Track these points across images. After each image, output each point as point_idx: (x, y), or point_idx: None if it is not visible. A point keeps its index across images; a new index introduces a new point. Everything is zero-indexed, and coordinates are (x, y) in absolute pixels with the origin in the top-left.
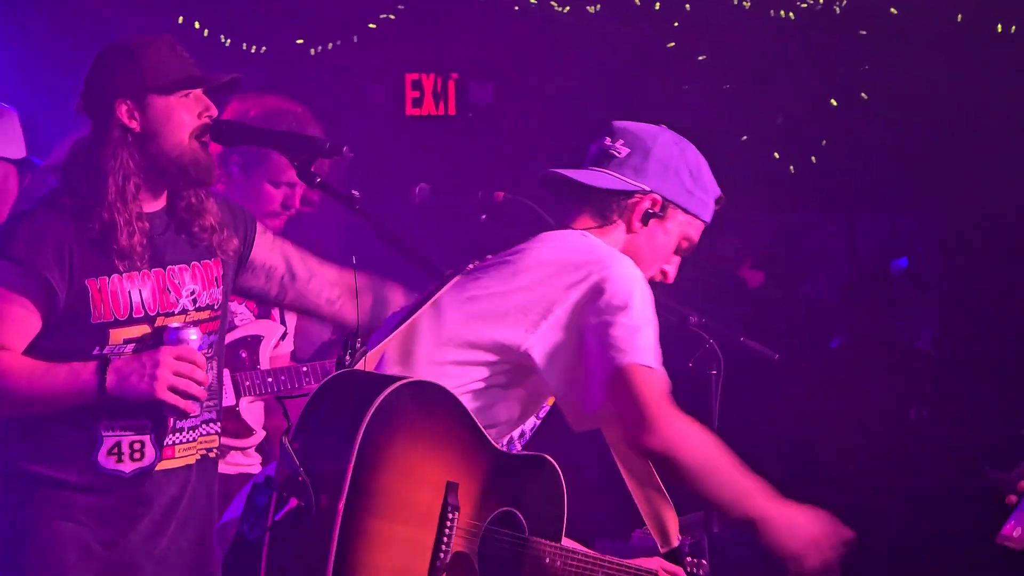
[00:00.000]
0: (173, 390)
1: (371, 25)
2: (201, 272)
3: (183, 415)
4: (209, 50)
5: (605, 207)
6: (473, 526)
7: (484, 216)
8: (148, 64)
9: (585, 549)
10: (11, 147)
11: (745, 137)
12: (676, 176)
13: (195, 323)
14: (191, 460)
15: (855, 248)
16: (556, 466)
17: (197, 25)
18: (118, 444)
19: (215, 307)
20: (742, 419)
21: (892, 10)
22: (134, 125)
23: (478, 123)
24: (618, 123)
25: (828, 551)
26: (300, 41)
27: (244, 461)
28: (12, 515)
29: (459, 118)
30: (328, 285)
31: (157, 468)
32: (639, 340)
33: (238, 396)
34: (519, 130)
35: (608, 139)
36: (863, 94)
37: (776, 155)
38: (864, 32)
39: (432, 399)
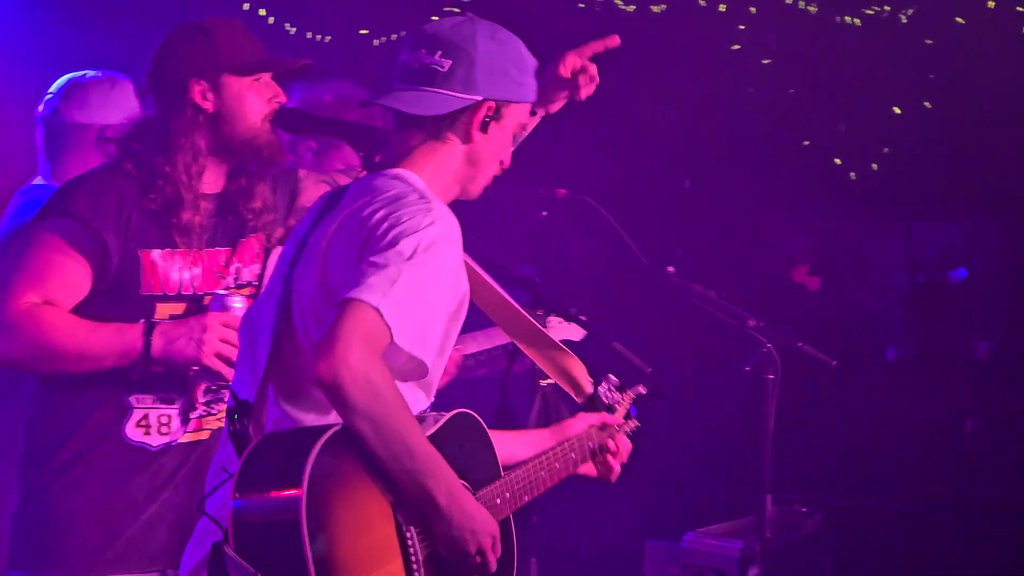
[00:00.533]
0: (219, 356)
1: (434, 17)
2: (244, 247)
3: (221, 381)
4: (274, 38)
5: (439, 128)
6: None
7: (545, 213)
8: (223, 46)
9: (519, 460)
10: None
11: (807, 142)
12: (504, 75)
13: None
14: (207, 435)
15: (913, 256)
16: (470, 413)
17: (262, 12)
18: (146, 416)
19: (254, 283)
20: (798, 424)
21: (958, 19)
22: (207, 105)
23: (540, 122)
24: (430, 29)
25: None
26: (364, 31)
27: None
28: (38, 493)
29: None
30: None
31: (181, 440)
32: (381, 283)
33: None
34: (579, 129)
35: (425, 51)
36: (926, 103)
37: (837, 161)
38: (929, 41)
39: (350, 434)
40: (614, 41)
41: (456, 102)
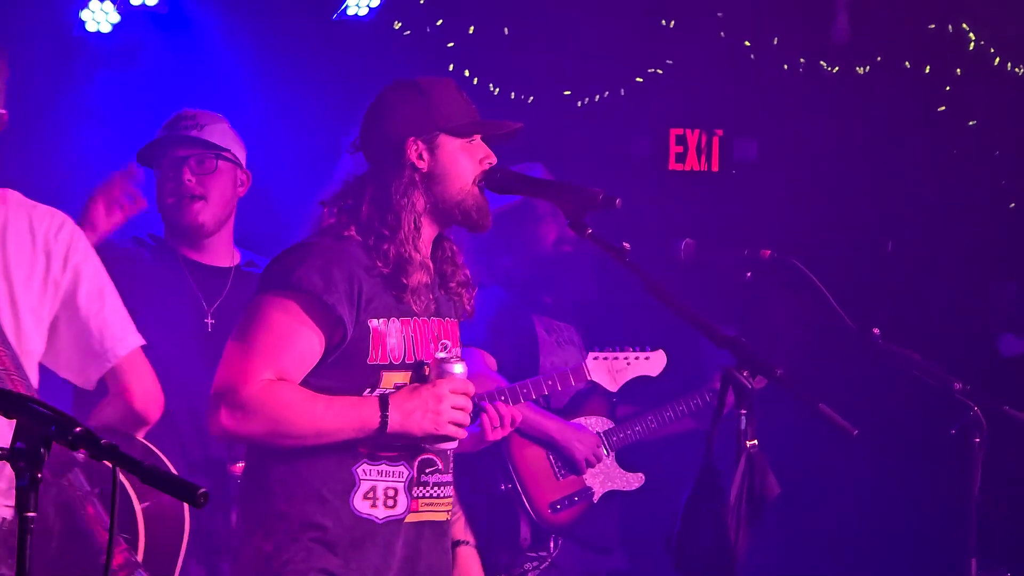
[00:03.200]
0: (452, 423)
1: (638, 79)
2: (452, 328)
3: (447, 451)
4: (478, 98)
5: None
6: None
7: (749, 274)
8: (438, 105)
9: None
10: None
11: (1013, 204)
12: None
13: None
14: (433, 517)
15: None
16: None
17: (467, 73)
18: (373, 489)
19: (445, 360)
20: (1005, 489)
21: None
22: (422, 165)
23: (741, 180)
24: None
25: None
26: (567, 92)
27: None
28: (271, 555)
29: (722, 174)
30: None
31: (406, 520)
32: None
33: None
34: (783, 188)
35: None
36: None
37: None
38: None
39: None
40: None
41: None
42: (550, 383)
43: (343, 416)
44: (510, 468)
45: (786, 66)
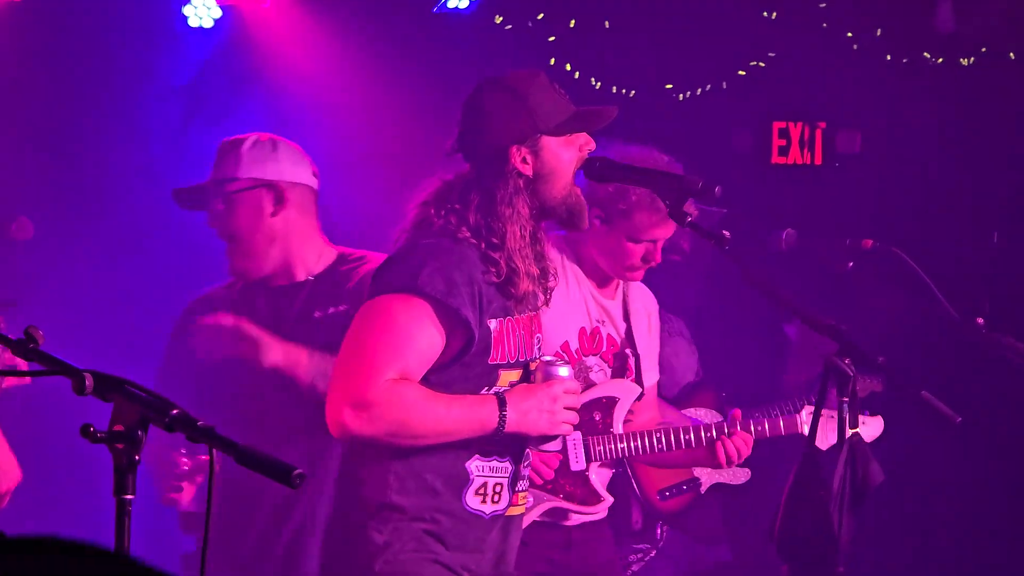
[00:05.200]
0: (565, 423)
1: (740, 72)
2: (539, 320)
3: (554, 446)
4: (579, 92)
5: None
6: None
7: (851, 263)
8: (537, 106)
9: None
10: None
11: None
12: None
13: None
14: (522, 510)
15: None
16: None
17: (568, 67)
18: (485, 485)
19: (538, 357)
20: None
21: None
22: (527, 170)
23: (845, 173)
24: None
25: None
26: (669, 86)
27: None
28: (383, 547)
29: (825, 167)
30: None
31: (506, 513)
32: None
33: (588, 461)
34: (886, 180)
35: None
36: None
37: None
38: None
39: None
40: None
41: None
42: (760, 427)
43: (464, 416)
44: None
45: (889, 57)
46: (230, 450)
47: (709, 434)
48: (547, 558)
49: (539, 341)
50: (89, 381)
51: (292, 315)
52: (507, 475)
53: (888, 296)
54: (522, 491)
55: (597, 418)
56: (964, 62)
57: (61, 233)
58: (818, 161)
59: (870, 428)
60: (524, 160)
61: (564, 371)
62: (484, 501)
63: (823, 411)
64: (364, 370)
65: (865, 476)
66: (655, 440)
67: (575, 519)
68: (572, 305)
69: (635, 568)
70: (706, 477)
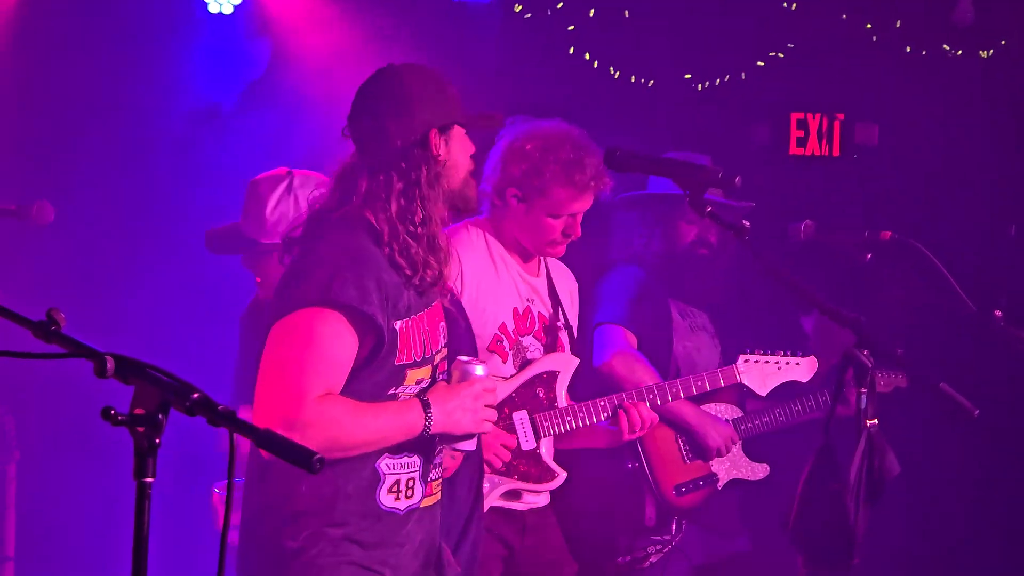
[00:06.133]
0: (486, 421)
1: (759, 63)
2: (439, 312)
3: (469, 446)
4: (597, 81)
5: None
6: None
7: (869, 255)
8: (451, 95)
9: None
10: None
11: None
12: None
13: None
14: (439, 498)
15: None
16: None
17: (587, 56)
18: (397, 482)
19: (443, 347)
20: None
21: None
22: (440, 156)
23: (863, 164)
24: None
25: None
26: (688, 76)
27: (536, 500)
28: (296, 552)
29: (843, 159)
30: None
31: (421, 505)
32: None
33: (538, 438)
34: (904, 172)
35: None
36: None
37: None
38: None
39: None
40: None
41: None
42: (699, 383)
43: (391, 424)
44: (639, 447)
45: (908, 49)
46: (251, 434)
47: (641, 398)
48: (503, 539)
49: (444, 329)
50: (110, 364)
51: None
52: (417, 469)
53: (906, 288)
54: (435, 480)
55: (541, 394)
56: (983, 54)
57: (83, 218)
58: (836, 152)
59: (804, 368)
60: (438, 148)
61: (480, 370)
62: (398, 498)
63: (752, 356)
64: (292, 390)
65: (882, 468)
66: (599, 408)
67: (528, 501)
68: (503, 287)
69: (653, 559)
70: (724, 472)
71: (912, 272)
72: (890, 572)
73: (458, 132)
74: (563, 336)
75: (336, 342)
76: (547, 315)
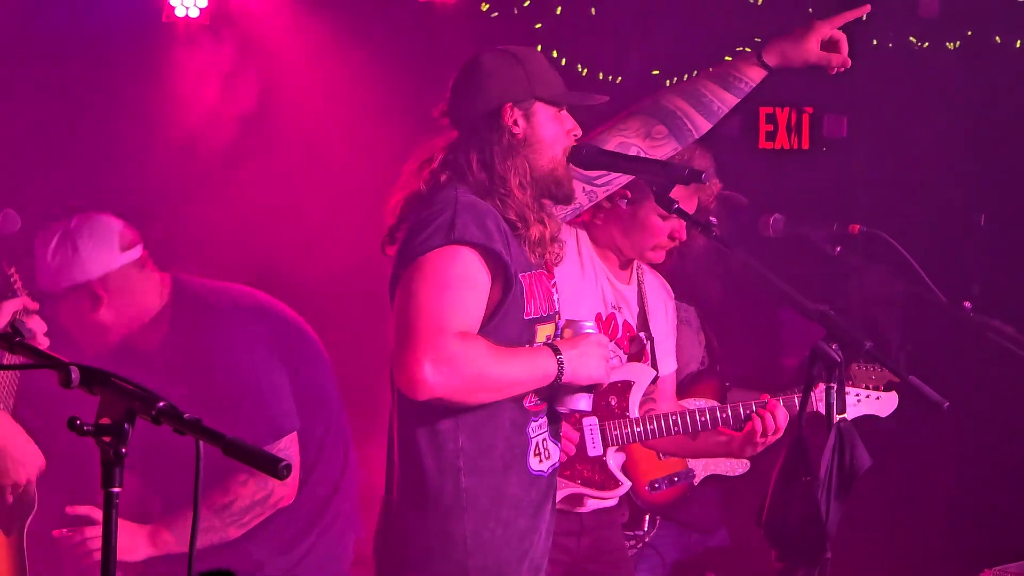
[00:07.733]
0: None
1: (727, 57)
2: (549, 278)
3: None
4: (565, 78)
5: None
6: None
7: (839, 248)
8: (534, 73)
9: None
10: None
11: None
12: None
13: None
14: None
15: None
16: None
17: (555, 54)
18: (538, 445)
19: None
20: None
21: None
22: (518, 132)
23: (832, 157)
24: None
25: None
26: (656, 72)
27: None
28: (468, 536)
29: (812, 152)
30: None
31: (555, 465)
32: None
33: (605, 446)
34: (873, 165)
35: None
36: None
37: None
38: None
39: None
40: (865, 9)
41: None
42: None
43: (528, 365)
44: None
45: (875, 42)
46: (217, 442)
47: (724, 415)
48: (561, 546)
49: (556, 293)
50: (75, 374)
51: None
52: (546, 429)
53: (876, 280)
54: (558, 443)
55: (613, 402)
56: (950, 46)
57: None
58: (805, 146)
59: (884, 404)
60: (516, 122)
61: (591, 326)
62: (541, 461)
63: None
64: (433, 328)
65: (852, 461)
66: (671, 423)
67: (590, 505)
68: (588, 290)
69: (629, 554)
70: (700, 468)
71: (882, 264)
72: (864, 565)
73: (543, 110)
74: (648, 348)
75: (470, 279)
76: (633, 324)
